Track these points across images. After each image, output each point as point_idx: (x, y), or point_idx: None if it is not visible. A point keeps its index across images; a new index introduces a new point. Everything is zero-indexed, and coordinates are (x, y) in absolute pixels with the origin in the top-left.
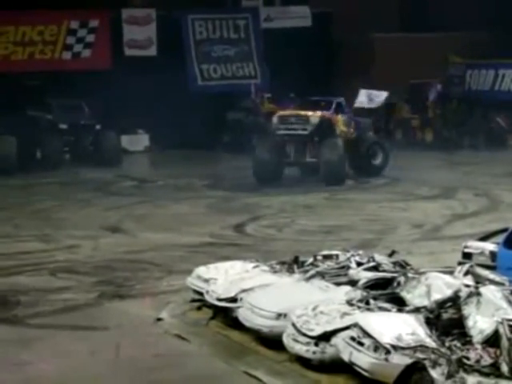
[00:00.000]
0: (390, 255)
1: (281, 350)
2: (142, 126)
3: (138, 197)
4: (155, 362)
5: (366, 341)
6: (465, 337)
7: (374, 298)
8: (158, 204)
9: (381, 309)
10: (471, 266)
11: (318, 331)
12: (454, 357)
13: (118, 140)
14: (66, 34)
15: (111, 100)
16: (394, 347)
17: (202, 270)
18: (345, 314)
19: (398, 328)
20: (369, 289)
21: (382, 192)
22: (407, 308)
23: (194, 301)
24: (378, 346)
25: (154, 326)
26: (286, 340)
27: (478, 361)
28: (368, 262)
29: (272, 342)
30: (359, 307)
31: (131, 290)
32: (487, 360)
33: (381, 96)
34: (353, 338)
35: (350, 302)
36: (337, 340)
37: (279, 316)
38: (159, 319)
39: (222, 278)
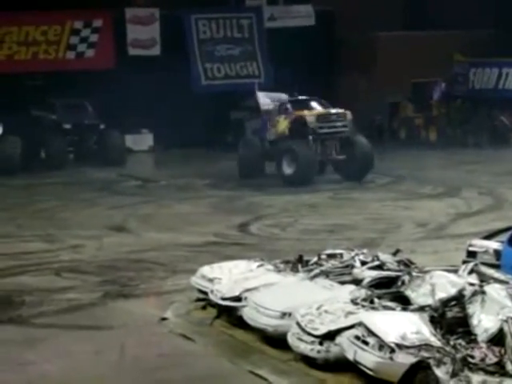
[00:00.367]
0: (395, 254)
1: (285, 349)
2: (146, 126)
3: (142, 196)
4: (160, 362)
5: (371, 340)
6: (469, 335)
7: (379, 297)
8: (162, 203)
9: (385, 308)
10: (476, 265)
11: (322, 330)
12: (458, 355)
13: (122, 139)
14: (70, 34)
15: (115, 100)
16: (399, 346)
17: (206, 270)
18: (349, 312)
19: (402, 327)
20: (373, 288)
21: (385, 191)
22: (412, 307)
23: (198, 300)
24: (382, 345)
25: (159, 326)
26: (291, 339)
27: (482, 359)
28: (372, 260)
29: (277, 341)
30: (364, 306)
31: (135, 290)
32: (492, 359)
33: (280, 97)
34: (357, 337)
35: (354, 301)
36: (341, 339)
37: (284, 315)
38: (164, 319)
39: (227, 277)
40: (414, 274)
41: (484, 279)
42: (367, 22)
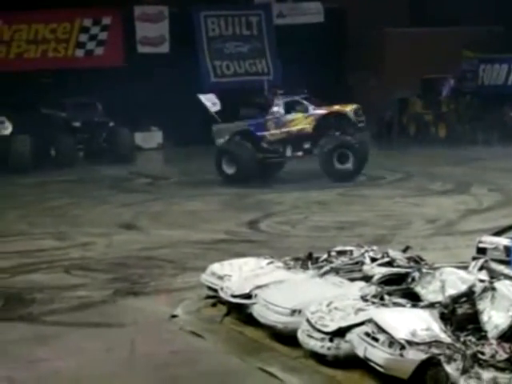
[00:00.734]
0: (404, 250)
1: (295, 346)
2: (155, 123)
3: (152, 194)
4: (170, 359)
5: (381, 336)
6: (480, 332)
7: (389, 294)
8: (172, 201)
9: (395, 304)
10: (486, 261)
11: (332, 327)
12: (468, 352)
13: (131, 137)
14: (79, 32)
15: (124, 97)
16: (409, 343)
17: (216, 267)
18: (359, 309)
19: (412, 323)
20: (383, 284)
21: (395, 188)
22: (422, 303)
23: (208, 297)
24: (392, 342)
25: (169, 323)
26: (301, 336)
27: (493, 356)
28: (382, 257)
29: (287, 338)
30: (374, 303)
31: (146, 287)
32: (502, 355)
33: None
34: (367, 334)
35: (364, 298)
36: (351, 336)
37: (294, 312)
38: (174, 316)
39: (237, 274)
40: (424, 270)
41: (494, 275)
42: (376, 19)
